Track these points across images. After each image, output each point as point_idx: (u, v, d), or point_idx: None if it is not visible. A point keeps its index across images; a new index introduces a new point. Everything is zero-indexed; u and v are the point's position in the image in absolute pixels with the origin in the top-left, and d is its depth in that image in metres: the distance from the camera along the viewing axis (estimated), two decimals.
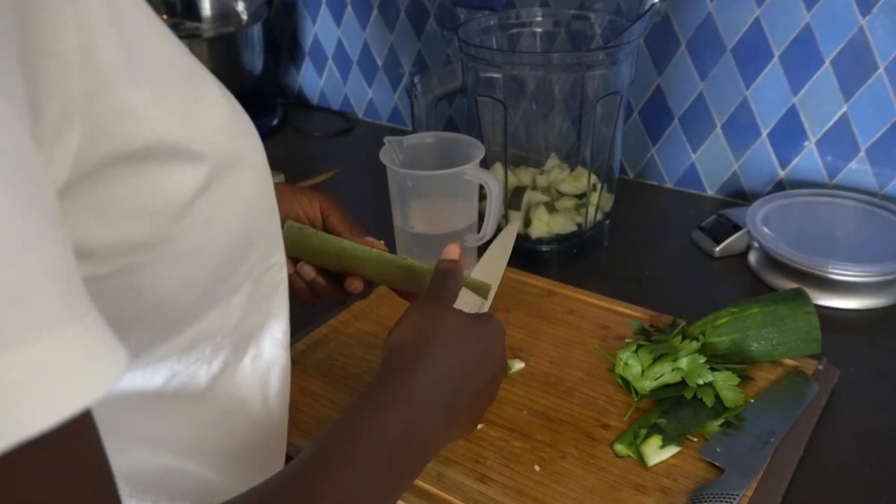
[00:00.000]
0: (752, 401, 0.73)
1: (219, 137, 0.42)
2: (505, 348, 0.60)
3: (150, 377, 0.46)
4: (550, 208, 0.97)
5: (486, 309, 0.67)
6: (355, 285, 0.70)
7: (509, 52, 0.99)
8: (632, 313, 0.86)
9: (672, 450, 0.68)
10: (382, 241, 0.72)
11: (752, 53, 1.05)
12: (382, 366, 0.55)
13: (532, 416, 0.73)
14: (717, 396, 0.71)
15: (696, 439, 0.70)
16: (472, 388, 0.55)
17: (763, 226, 0.96)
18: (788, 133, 1.07)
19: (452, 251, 0.63)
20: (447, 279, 0.61)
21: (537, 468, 0.67)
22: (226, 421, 0.52)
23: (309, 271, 0.70)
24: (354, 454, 0.46)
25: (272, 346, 0.53)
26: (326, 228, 0.73)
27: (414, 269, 0.67)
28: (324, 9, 1.44)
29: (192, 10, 1.43)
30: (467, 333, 0.57)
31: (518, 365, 0.79)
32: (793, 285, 0.89)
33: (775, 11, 1.02)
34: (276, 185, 0.70)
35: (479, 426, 0.69)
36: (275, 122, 1.45)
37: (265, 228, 0.48)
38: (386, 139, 0.86)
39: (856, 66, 0.99)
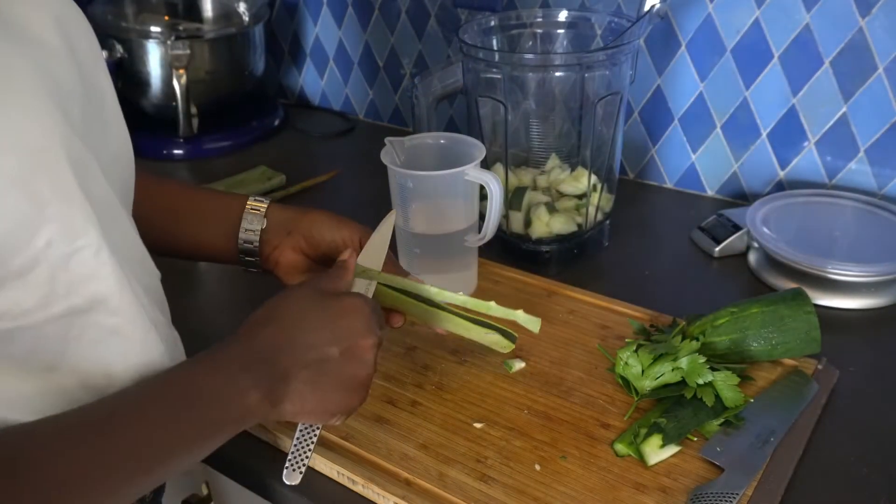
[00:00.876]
0: (752, 400, 0.73)
1: None
2: (365, 325, 0.59)
3: None
4: (551, 208, 0.97)
5: (370, 293, 0.68)
6: (397, 321, 0.73)
7: (510, 53, 0.99)
8: (632, 313, 0.86)
9: (672, 449, 0.68)
10: (422, 278, 0.74)
11: (752, 54, 1.06)
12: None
13: (532, 415, 0.73)
14: (717, 396, 0.72)
15: (695, 439, 0.70)
16: (304, 357, 0.56)
17: (763, 226, 0.96)
18: (788, 133, 1.07)
19: (346, 255, 0.66)
20: (332, 270, 0.64)
21: (538, 467, 0.67)
22: (70, 392, 0.53)
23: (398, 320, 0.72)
24: (132, 401, 0.52)
25: (105, 319, 0.54)
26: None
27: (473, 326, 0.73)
28: (325, 10, 1.44)
29: (194, 11, 1.43)
30: (309, 306, 0.58)
31: (518, 364, 0.79)
32: (792, 285, 0.90)
33: (775, 12, 1.02)
34: (320, 213, 0.73)
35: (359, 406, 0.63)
36: (276, 122, 1.45)
37: (51, 214, 0.48)
38: (387, 140, 0.86)
39: (855, 66, 0.99)
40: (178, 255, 0.76)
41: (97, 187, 0.53)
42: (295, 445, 0.61)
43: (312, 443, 0.61)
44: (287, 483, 0.60)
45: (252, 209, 0.74)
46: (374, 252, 0.70)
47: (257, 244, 0.73)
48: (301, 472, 0.60)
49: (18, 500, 0.45)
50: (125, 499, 0.51)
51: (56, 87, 0.51)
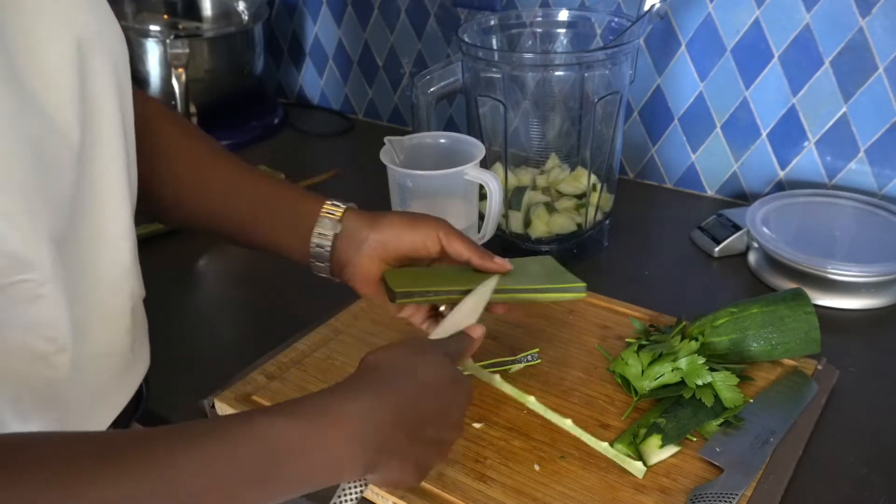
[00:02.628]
0: (752, 401, 0.73)
1: None
2: (462, 414, 0.59)
3: None
4: (550, 208, 0.97)
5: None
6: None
7: (509, 53, 0.99)
8: (631, 313, 0.86)
9: (671, 449, 0.68)
10: (507, 261, 0.71)
11: (752, 54, 1.06)
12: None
13: (532, 415, 0.72)
14: (717, 396, 0.71)
15: (695, 439, 0.70)
16: (419, 438, 0.54)
17: (763, 226, 0.96)
18: (788, 133, 1.07)
19: (477, 331, 0.65)
20: (460, 341, 0.63)
21: (537, 467, 0.67)
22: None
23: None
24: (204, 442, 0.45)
25: (45, 347, 0.51)
26: (448, 254, 0.70)
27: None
28: (324, 9, 1.44)
29: (193, 10, 1.43)
30: (440, 382, 0.56)
31: (517, 364, 0.79)
32: (792, 285, 0.90)
33: (775, 12, 1.02)
34: (393, 216, 0.71)
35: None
36: (275, 121, 1.45)
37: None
38: (386, 139, 0.86)
39: (855, 66, 0.99)
40: (254, 248, 0.74)
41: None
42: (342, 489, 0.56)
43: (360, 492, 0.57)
44: None
45: (327, 213, 0.70)
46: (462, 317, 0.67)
47: (329, 250, 0.70)
48: None
49: None
50: None
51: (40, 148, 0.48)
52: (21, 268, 0.47)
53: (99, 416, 0.60)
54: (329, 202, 0.71)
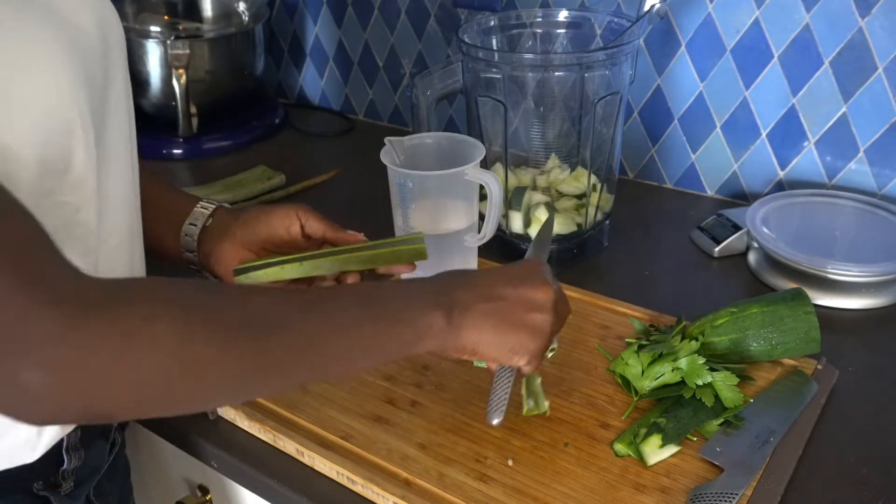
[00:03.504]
0: (752, 400, 0.73)
1: None
2: (540, 277, 0.63)
3: None
4: (550, 208, 0.97)
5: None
6: (353, 278, 0.75)
7: (509, 53, 0.99)
8: (631, 313, 0.86)
9: (672, 449, 0.68)
10: (362, 234, 0.76)
11: (752, 54, 1.06)
12: None
13: (532, 415, 0.73)
14: (717, 396, 0.72)
15: (695, 439, 0.70)
16: (481, 292, 0.61)
17: (762, 226, 0.96)
18: (788, 133, 1.07)
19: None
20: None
21: (537, 468, 0.67)
22: None
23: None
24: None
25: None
26: (307, 234, 0.76)
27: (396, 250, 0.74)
28: (325, 9, 1.44)
29: (194, 11, 1.43)
30: (492, 270, 0.65)
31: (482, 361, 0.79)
32: (792, 285, 0.90)
33: (775, 12, 1.02)
34: (246, 211, 0.76)
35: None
36: (275, 122, 1.45)
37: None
38: (386, 139, 0.86)
39: (855, 66, 0.99)
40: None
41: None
42: (493, 389, 0.65)
43: (509, 385, 0.65)
44: (492, 423, 0.64)
45: (200, 208, 0.78)
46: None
47: (196, 238, 0.76)
48: (502, 413, 0.64)
49: (274, 355, 0.50)
50: (317, 375, 0.64)
51: (83, 68, 0.55)
52: (65, 174, 0.54)
53: None
54: (204, 201, 0.78)
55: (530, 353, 0.62)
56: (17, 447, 0.58)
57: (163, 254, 0.78)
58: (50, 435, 0.60)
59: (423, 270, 0.88)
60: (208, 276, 0.78)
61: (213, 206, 0.78)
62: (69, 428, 0.62)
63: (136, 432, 0.87)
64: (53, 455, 0.62)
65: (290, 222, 0.75)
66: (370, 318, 0.56)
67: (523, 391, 0.72)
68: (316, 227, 0.75)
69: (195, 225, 0.77)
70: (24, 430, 0.58)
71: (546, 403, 0.72)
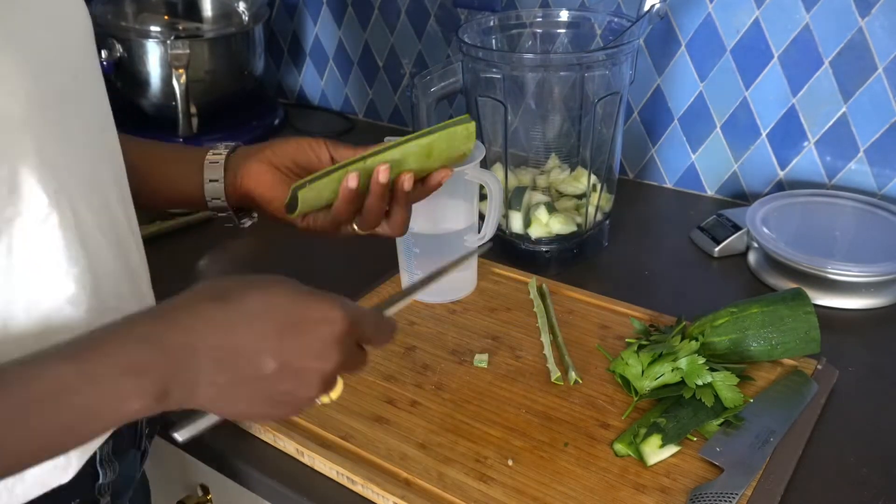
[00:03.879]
0: (752, 400, 0.73)
1: None
2: (328, 345, 0.49)
3: None
4: (550, 208, 0.97)
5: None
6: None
7: (509, 53, 0.99)
8: (631, 313, 0.86)
9: (671, 449, 0.68)
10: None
11: (752, 54, 1.06)
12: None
13: (532, 415, 0.73)
14: (717, 396, 0.72)
15: (695, 439, 0.70)
16: (226, 365, 0.47)
17: (762, 226, 0.96)
18: (788, 133, 1.07)
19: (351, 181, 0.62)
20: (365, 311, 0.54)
21: (537, 467, 0.67)
22: None
23: (353, 178, 0.64)
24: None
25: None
26: (336, 161, 0.70)
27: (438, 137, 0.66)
28: (325, 9, 1.44)
29: (194, 11, 1.43)
30: (273, 305, 0.48)
31: (482, 356, 0.80)
32: (792, 285, 0.90)
33: (775, 12, 1.02)
34: (277, 141, 0.71)
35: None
36: (275, 122, 1.45)
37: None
38: (387, 139, 0.86)
39: (855, 66, 0.99)
40: (157, 208, 0.77)
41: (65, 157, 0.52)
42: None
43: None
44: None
45: (211, 158, 0.72)
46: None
47: (222, 165, 0.71)
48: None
49: None
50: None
51: (34, 55, 0.50)
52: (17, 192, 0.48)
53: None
54: (212, 151, 0.73)
55: (277, 419, 0.54)
56: (47, 471, 0.55)
57: (179, 201, 0.75)
58: (78, 452, 0.56)
59: (423, 270, 0.88)
60: (234, 217, 0.74)
61: (225, 153, 0.72)
62: (100, 440, 0.59)
63: None
64: (88, 470, 0.59)
65: (319, 149, 0.70)
66: (29, 412, 0.44)
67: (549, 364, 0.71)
68: (346, 152, 0.69)
69: (219, 153, 0.72)
70: None
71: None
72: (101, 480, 0.61)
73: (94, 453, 0.60)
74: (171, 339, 0.46)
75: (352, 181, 0.63)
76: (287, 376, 0.49)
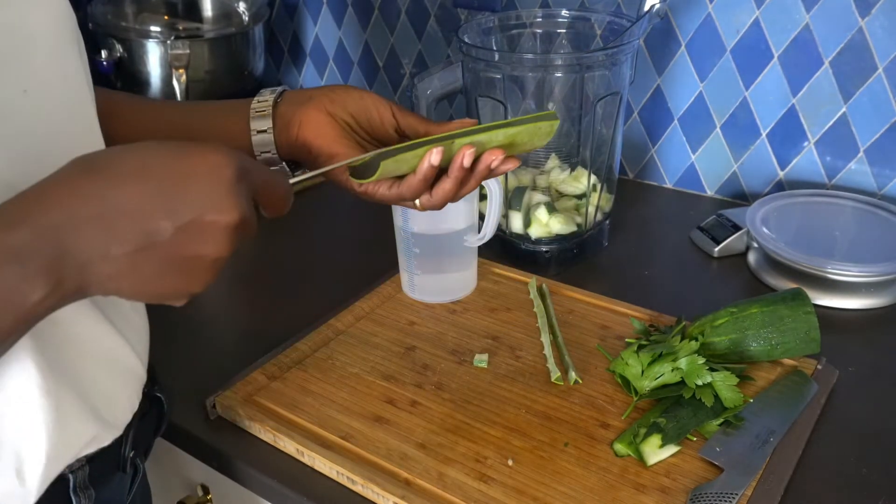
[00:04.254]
0: (752, 400, 0.73)
1: None
2: (223, 192, 0.44)
3: None
4: (550, 208, 0.97)
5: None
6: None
7: (509, 53, 0.99)
8: (631, 313, 0.86)
9: (671, 449, 0.68)
10: (468, 118, 0.64)
11: (752, 54, 1.06)
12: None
13: (532, 415, 0.73)
14: (717, 396, 0.72)
15: (695, 439, 0.70)
16: (118, 235, 0.42)
17: (762, 226, 0.96)
18: (788, 133, 1.07)
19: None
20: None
21: (537, 467, 0.67)
22: None
23: (437, 156, 0.58)
24: None
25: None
26: (401, 130, 0.65)
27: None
28: (325, 10, 1.44)
29: (194, 11, 1.43)
30: (153, 159, 0.43)
31: (482, 356, 0.80)
32: (792, 285, 0.90)
33: (775, 12, 1.02)
34: (335, 88, 0.64)
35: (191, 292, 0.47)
36: None
37: None
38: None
39: (855, 66, 0.99)
40: None
41: None
42: None
43: None
44: None
45: (261, 94, 0.66)
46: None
47: (271, 111, 0.64)
48: None
49: None
50: None
51: None
52: None
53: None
54: (258, 98, 0.66)
55: (190, 294, 0.46)
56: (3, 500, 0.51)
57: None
58: (35, 481, 0.51)
59: (423, 270, 0.88)
60: (285, 167, 0.66)
61: (280, 88, 0.66)
62: (61, 466, 0.54)
63: None
64: (59, 498, 0.55)
65: (384, 109, 0.64)
66: None
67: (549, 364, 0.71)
68: (414, 122, 0.64)
69: (265, 100, 0.65)
70: (3, 483, 0.50)
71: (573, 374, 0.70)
72: None
73: (68, 480, 0.56)
74: (44, 218, 0.41)
75: (435, 159, 0.58)
76: (189, 235, 0.43)
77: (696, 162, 1.16)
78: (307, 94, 0.65)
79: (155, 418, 0.67)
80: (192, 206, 0.43)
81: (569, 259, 0.99)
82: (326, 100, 0.64)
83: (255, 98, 0.66)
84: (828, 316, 0.86)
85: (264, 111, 0.65)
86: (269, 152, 0.65)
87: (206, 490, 0.84)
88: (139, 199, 0.42)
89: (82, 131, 0.57)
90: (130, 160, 0.43)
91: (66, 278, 0.41)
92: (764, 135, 1.09)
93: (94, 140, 0.58)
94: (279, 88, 0.66)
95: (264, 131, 0.64)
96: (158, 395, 0.67)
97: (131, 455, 0.63)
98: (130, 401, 0.60)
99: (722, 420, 0.71)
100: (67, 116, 0.55)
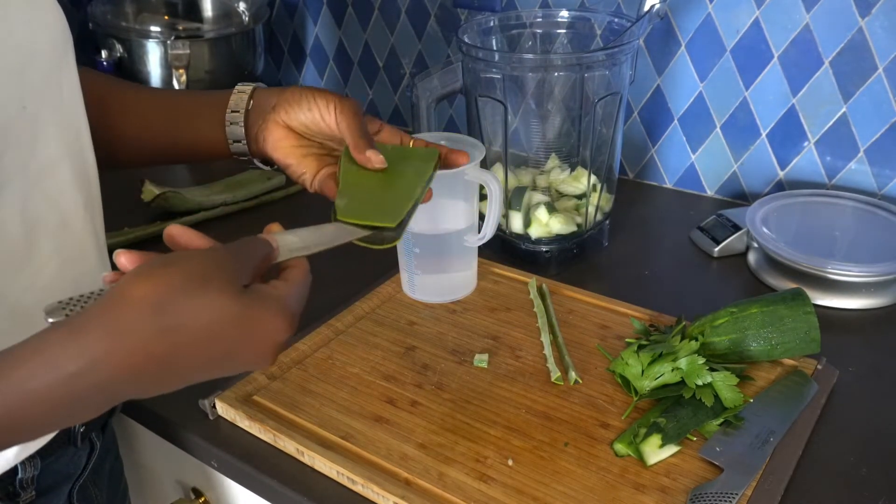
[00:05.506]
0: (752, 400, 0.73)
1: None
2: (270, 350, 0.49)
3: None
4: (550, 208, 0.97)
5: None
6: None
7: (509, 53, 0.99)
8: (631, 313, 0.86)
9: (671, 449, 0.68)
10: (382, 158, 0.67)
11: (752, 54, 1.06)
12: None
13: (532, 415, 0.73)
14: (717, 396, 0.72)
15: (695, 439, 0.70)
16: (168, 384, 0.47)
17: (762, 226, 0.96)
18: (788, 133, 1.07)
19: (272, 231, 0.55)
20: (259, 247, 0.52)
21: (537, 468, 0.67)
22: None
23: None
24: None
25: None
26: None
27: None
28: (325, 10, 1.44)
29: (194, 11, 1.43)
30: (216, 328, 0.46)
31: (482, 356, 0.80)
32: (792, 285, 0.90)
33: (775, 12, 1.02)
34: (298, 87, 0.70)
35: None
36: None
37: None
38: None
39: (855, 66, 0.99)
40: (179, 160, 0.77)
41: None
42: None
43: None
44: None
45: (238, 91, 0.72)
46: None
47: (242, 125, 0.71)
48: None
49: None
50: None
51: None
52: None
53: None
54: (240, 84, 0.73)
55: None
56: None
57: (206, 152, 0.74)
58: None
59: (423, 271, 0.88)
60: (259, 164, 0.74)
61: (251, 87, 0.72)
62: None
63: (132, 433, 0.87)
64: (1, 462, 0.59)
65: (329, 117, 0.68)
66: None
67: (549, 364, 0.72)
68: (343, 129, 0.67)
69: (238, 111, 0.71)
70: None
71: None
72: (20, 475, 0.62)
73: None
74: (105, 373, 0.44)
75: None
76: (232, 371, 0.50)
77: (696, 162, 1.16)
78: (270, 103, 0.70)
79: None
80: (242, 366, 0.49)
81: (569, 259, 0.99)
82: (283, 112, 0.69)
83: (229, 107, 0.71)
84: (828, 316, 0.86)
85: (237, 122, 0.71)
86: (245, 157, 0.73)
87: (198, 494, 0.84)
88: (200, 363, 0.47)
89: (75, 140, 0.59)
90: (203, 319, 0.46)
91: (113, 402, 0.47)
92: (764, 135, 1.09)
93: (85, 154, 0.62)
94: (248, 91, 0.72)
95: (239, 142, 0.72)
96: None
97: (82, 430, 0.67)
98: None
99: (722, 420, 0.71)
100: (61, 132, 0.57)
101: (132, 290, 0.44)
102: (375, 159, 0.65)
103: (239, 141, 0.71)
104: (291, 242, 0.55)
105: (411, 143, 0.73)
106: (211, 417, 0.75)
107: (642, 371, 0.73)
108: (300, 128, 0.69)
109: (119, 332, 0.44)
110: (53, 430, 0.47)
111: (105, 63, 1.29)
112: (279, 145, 0.70)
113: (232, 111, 0.71)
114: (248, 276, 0.49)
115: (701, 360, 0.72)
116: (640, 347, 0.75)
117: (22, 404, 0.43)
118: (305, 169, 0.70)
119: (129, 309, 0.44)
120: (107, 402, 0.46)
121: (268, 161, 0.73)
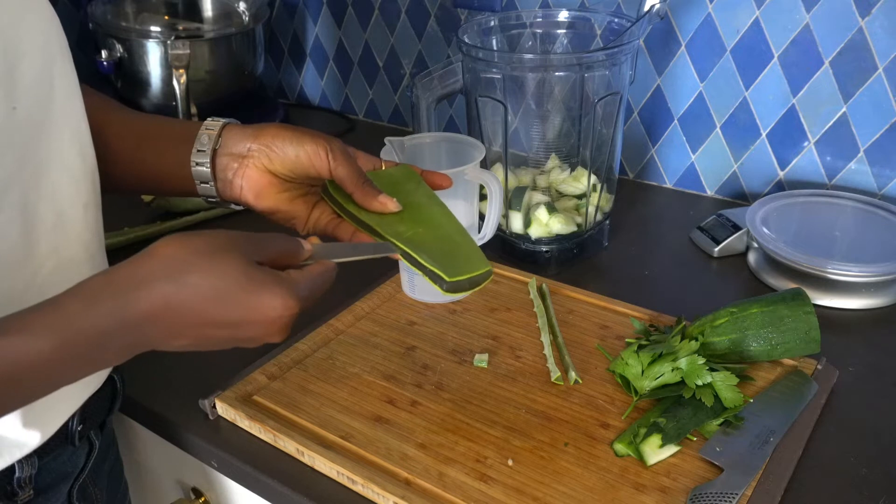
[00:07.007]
0: (752, 400, 0.73)
1: None
2: (278, 329, 0.54)
3: None
4: (550, 208, 0.97)
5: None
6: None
7: (509, 53, 0.99)
8: (631, 313, 0.86)
9: (671, 449, 0.68)
10: (395, 201, 0.67)
11: (752, 54, 1.06)
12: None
13: (532, 415, 0.73)
14: (717, 396, 0.72)
15: (695, 439, 0.70)
16: (190, 341, 0.53)
17: (762, 226, 0.96)
18: (788, 133, 1.07)
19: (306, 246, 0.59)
20: (285, 242, 0.56)
21: (537, 467, 0.67)
22: None
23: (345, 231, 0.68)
24: None
25: None
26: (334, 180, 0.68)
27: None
28: (325, 10, 1.44)
29: (194, 11, 1.43)
30: (226, 291, 0.51)
31: (482, 356, 0.80)
32: (792, 285, 0.90)
33: (775, 12, 1.02)
34: (279, 126, 0.68)
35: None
36: (276, 122, 1.45)
37: None
38: (387, 139, 0.86)
39: (855, 66, 0.99)
40: (145, 190, 0.76)
41: None
42: None
43: None
44: None
45: (205, 129, 0.67)
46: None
47: (208, 166, 0.66)
48: None
49: None
50: None
51: None
52: None
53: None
54: (210, 119, 0.68)
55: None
56: None
57: (179, 191, 0.70)
58: None
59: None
60: (233, 206, 0.71)
61: (220, 123, 0.68)
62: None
63: (131, 433, 0.87)
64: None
65: (318, 162, 0.65)
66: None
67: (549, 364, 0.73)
68: (343, 177, 0.66)
69: (203, 151, 0.66)
70: None
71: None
72: (17, 474, 0.62)
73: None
74: (143, 334, 0.51)
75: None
76: (242, 341, 0.55)
77: (696, 162, 1.16)
78: (245, 146, 0.67)
79: (108, 396, 0.70)
80: (251, 334, 0.54)
81: (569, 259, 0.99)
82: (264, 158, 0.66)
83: (195, 146, 0.67)
84: (828, 316, 0.86)
85: (203, 163, 0.67)
86: (214, 198, 0.69)
87: (198, 494, 0.84)
88: (210, 330, 0.52)
89: (74, 140, 0.59)
90: (212, 278, 0.51)
91: (134, 351, 0.52)
92: (764, 135, 1.09)
93: (84, 154, 0.62)
94: (216, 128, 0.68)
95: (206, 183, 0.68)
96: (112, 376, 0.70)
97: (80, 429, 0.67)
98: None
99: (722, 420, 0.71)
100: (56, 132, 0.57)
101: (163, 249, 0.51)
102: (391, 204, 0.66)
103: (206, 182, 0.67)
104: (322, 247, 0.59)
105: (383, 166, 0.73)
106: (211, 417, 0.75)
107: (642, 371, 0.73)
108: (285, 174, 0.67)
109: (145, 280, 0.50)
110: (90, 373, 0.51)
111: (105, 63, 1.29)
112: (264, 194, 0.67)
113: (198, 150, 0.67)
114: (264, 257, 0.54)
115: (701, 360, 0.72)
116: (640, 347, 0.75)
117: (73, 339, 0.48)
118: (295, 214, 0.68)
119: (156, 262, 0.51)
120: (133, 346, 0.51)
121: (239, 203, 0.70)
